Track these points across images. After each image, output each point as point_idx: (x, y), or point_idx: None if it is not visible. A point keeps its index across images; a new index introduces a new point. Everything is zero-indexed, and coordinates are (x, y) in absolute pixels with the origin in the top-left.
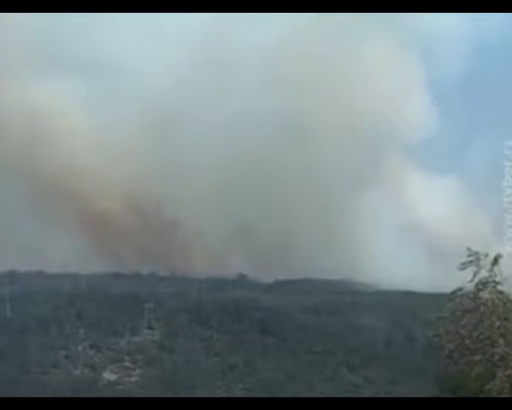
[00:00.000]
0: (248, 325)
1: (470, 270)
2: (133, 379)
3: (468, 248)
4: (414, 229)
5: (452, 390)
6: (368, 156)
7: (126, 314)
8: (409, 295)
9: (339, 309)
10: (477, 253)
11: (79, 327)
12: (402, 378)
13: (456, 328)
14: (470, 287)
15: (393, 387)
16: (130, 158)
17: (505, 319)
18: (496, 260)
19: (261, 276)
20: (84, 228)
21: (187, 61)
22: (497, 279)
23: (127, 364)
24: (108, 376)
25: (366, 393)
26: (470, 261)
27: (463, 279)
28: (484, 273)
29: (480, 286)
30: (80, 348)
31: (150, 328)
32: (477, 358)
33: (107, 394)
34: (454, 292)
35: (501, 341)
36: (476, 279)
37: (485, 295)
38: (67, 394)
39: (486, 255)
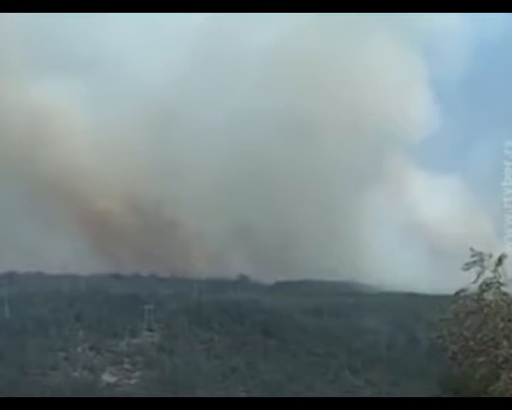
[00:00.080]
0: (250, 327)
1: (473, 271)
2: (133, 381)
3: (472, 249)
4: (416, 229)
5: (455, 392)
6: (369, 155)
7: (126, 316)
8: (412, 297)
9: (341, 311)
10: (481, 253)
11: (79, 329)
12: (404, 381)
13: (459, 330)
14: (474, 288)
15: (396, 389)
16: (130, 157)
17: (509, 320)
18: (500, 261)
19: (262, 277)
20: (83, 228)
21: (187, 59)
22: (502, 280)
23: (127, 366)
24: (108, 378)
25: (368, 395)
26: (474, 262)
27: (466, 280)
28: (488, 274)
29: (484, 287)
30: (79, 349)
31: (150, 330)
32: (481, 360)
33: (106, 396)
34: (457, 293)
35: (505, 342)
36: (480, 280)
37: (488, 296)
38: (66, 396)
39: (490, 256)
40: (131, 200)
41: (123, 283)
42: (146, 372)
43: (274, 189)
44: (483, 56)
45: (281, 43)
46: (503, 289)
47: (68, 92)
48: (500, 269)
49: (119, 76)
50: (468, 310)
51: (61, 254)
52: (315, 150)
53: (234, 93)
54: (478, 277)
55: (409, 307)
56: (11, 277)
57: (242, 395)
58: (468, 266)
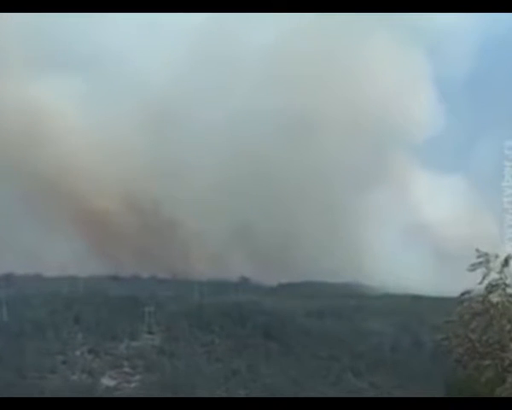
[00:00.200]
0: (251, 330)
1: (478, 273)
2: (132, 385)
3: (477, 250)
4: (419, 230)
5: (461, 395)
6: (372, 155)
7: (125, 318)
8: (415, 299)
9: (344, 313)
10: (486, 254)
11: (77, 331)
12: (408, 384)
13: (465, 332)
14: (479, 290)
15: (400, 392)
16: (129, 157)
17: None
18: (506, 262)
19: (263, 278)
20: (81, 229)
21: (186, 59)
22: (508, 282)
23: (126, 369)
24: (107, 381)
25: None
26: (480, 263)
27: (471, 282)
28: (493, 275)
29: (490, 289)
30: (78, 352)
31: (150, 332)
32: (487, 363)
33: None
34: (463, 295)
35: (511, 345)
36: (486, 282)
37: (494, 297)
38: None
39: (496, 257)
40: (130, 200)
41: (122, 284)
42: (146, 376)
43: (274, 189)
44: (488, 55)
45: (281, 43)
46: (510, 290)
47: (67, 92)
48: (506, 270)
49: (118, 76)
50: (473, 312)
51: (60, 256)
52: (316, 150)
53: (234, 93)
54: (483, 278)
55: (412, 310)
56: (9, 278)
57: None
58: (474, 267)
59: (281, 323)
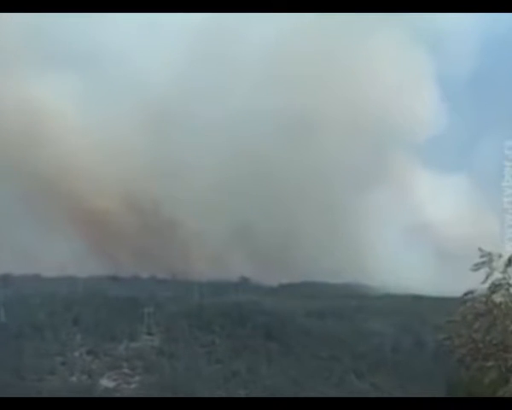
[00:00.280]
0: (251, 330)
1: (481, 273)
2: (132, 386)
3: (480, 249)
4: (421, 230)
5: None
6: (373, 155)
7: (125, 319)
8: (417, 299)
9: (345, 313)
10: (490, 254)
11: (76, 332)
12: (410, 385)
13: (468, 332)
14: (482, 290)
15: (401, 393)
16: (129, 157)
17: None
18: (510, 262)
19: (264, 279)
20: (81, 229)
21: (186, 59)
22: (511, 281)
23: (126, 370)
24: (106, 383)
25: None
26: (483, 262)
27: (473, 282)
28: (497, 275)
29: (493, 289)
30: (77, 354)
31: (149, 333)
32: (490, 364)
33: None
34: (466, 294)
35: None
36: (489, 281)
37: (498, 297)
38: None
39: (500, 256)
40: (130, 200)
41: (121, 285)
42: (145, 377)
43: (274, 189)
44: (490, 54)
45: (281, 43)
46: None
47: (67, 92)
48: (510, 270)
49: (118, 76)
50: (476, 312)
51: (59, 256)
52: (316, 150)
53: (234, 93)
54: (487, 278)
55: (414, 310)
56: (7, 279)
57: None
58: (477, 267)
59: (281, 323)
